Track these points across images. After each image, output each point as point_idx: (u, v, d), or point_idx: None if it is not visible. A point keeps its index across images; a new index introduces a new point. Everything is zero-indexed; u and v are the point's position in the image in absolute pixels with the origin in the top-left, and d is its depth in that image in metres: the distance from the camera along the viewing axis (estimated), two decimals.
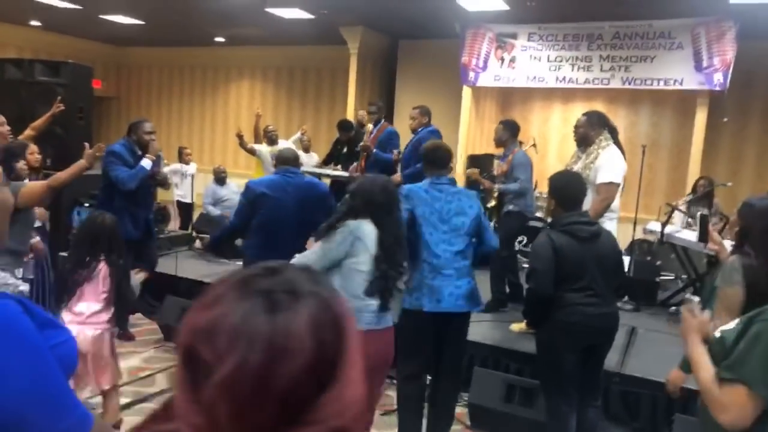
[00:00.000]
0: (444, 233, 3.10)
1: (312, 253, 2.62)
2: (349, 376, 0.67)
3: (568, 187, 3.02)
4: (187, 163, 8.04)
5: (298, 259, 2.60)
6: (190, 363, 0.65)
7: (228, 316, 0.64)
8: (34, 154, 4.11)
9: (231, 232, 4.29)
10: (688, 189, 6.93)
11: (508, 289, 5.07)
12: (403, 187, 3.22)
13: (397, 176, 5.25)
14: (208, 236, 6.39)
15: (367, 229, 2.59)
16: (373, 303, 2.57)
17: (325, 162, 7.50)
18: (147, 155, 4.52)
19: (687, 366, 2.41)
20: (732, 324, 1.72)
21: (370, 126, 6.10)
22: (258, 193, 3.78)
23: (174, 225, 7.64)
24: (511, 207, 4.87)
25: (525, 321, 4.36)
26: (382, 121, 6.01)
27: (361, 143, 5.88)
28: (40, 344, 1.10)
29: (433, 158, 3.29)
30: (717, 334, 1.73)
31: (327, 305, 0.68)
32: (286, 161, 3.95)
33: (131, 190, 4.40)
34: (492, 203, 5.30)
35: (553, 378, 3.00)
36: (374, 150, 5.65)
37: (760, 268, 2.25)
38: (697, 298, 1.84)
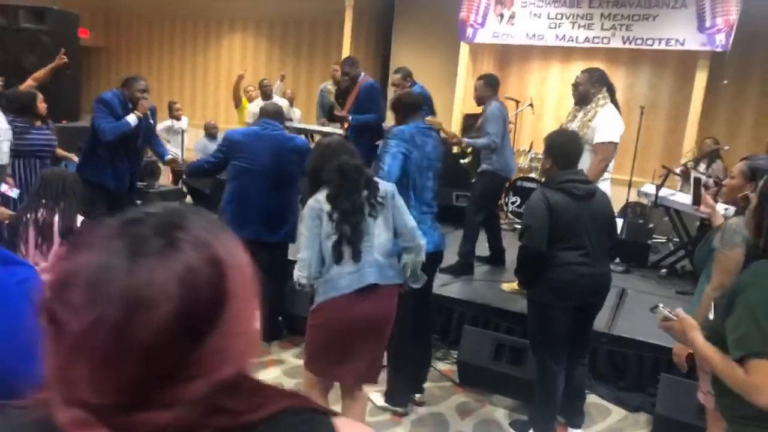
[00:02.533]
0: (428, 179, 3.18)
1: (299, 250, 2.51)
2: (231, 324, 0.60)
3: (564, 146, 2.98)
4: (178, 118, 7.88)
5: (299, 257, 2.49)
6: (49, 323, 0.58)
7: (86, 266, 0.57)
8: (42, 102, 4.42)
9: (203, 169, 4.28)
10: (685, 152, 6.89)
11: (489, 253, 5.02)
12: (394, 128, 3.20)
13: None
14: (197, 189, 6.33)
15: (323, 198, 2.49)
16: (348, 266, 2.44)
17: (329, 118, 7.35)
18: (135, 111, 4.43)
19: None
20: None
21: (330, 88, 5.91)
22: (234, 141, 3.84)
23: (167, 181, 7.53)
24: (484, 166, 4.69)
25: (517, 280, 4.38)
26: (361, 75, 5.79)
27: (336, 112, 5.71)
28: (8, 285, 1.06)
29: (406, 104, 3.28)
30: (710, 316, 1.71)
31: (207, 250, 0.61)
32: (266, 114, 3.99)
33: (110, 141, 4.32)
34: (467, 159, 5.17)
35: (543, 337, 3.01)
36: (350, 117, 5.50)
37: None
38: (660, 306, 1.84)
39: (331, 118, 7.17)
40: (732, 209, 2.56)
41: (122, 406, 0.56)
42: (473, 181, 5.00)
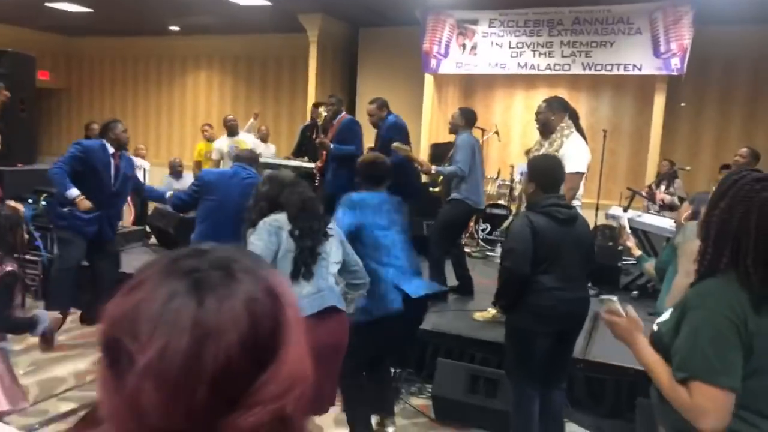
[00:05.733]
0: (397, 233, 3.15)
1: (256, 249, 2.52)
2: (290, 355, 0.63)
3: (548, 170, 2.99)
4: (142, 156, 7.76)
5: None
6: (112, 356, 0.61)
7: (150, 300, 0.61)
8: None
9: (176, 205, 4.42)
10: (648, 173, 7.00)
11: (457, 282, 4.95)
12: (351, 197, 3.12)
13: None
14: (162, 229, 6.17)
15: (283, 218, 2.62)
16: (307, 287, 2.52)
17: (295, 153, 7.30)
18: (78, 200, 4.30)
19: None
20: (666, 315, 1.65)
21: (322, 111, 5.94)
22: (207, 181, 4.04)
23: (128, 220, 7.34)
24: (454, 194, 4.67)
25: (490, 308, 4.31)
26: (342, 112, 5.86)
27: (318, 140, 5.72)
28: None
29: (369, 175, 3.22)
30: (654, 327, 1.66)
31: (263, 282, 0.64)
32: (242, 159, 4.24)
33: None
34: (437, 188, 5.16)
35: (521, 363, 2.96)
36: (332, 145, 5.49)
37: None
38: (615, 297, 1.74)
39: (299, 153, 7.13)
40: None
41: None
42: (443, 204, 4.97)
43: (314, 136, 6.52)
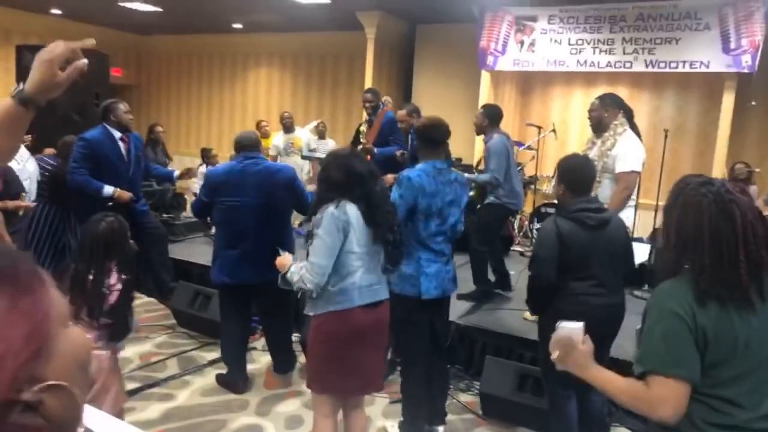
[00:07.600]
0: (439, 225, 3.13)
1: (316, 255, 2.48)
2: None
3: (576, 171, 2.88)
4: (213, 164, 8.02)
5: (307, 263, 2.50)
6: None
7: None
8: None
9: (195, 210, 3.94)
10: (714, 175, 6.73)
11: (494, 278, 4.93)
12: (404, 175, 3.09)
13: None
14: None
15: (351, 209, 2.53)
16: (363, 279, 2.55)
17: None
18: (116, 194, 4.22)
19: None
20: None
21: (363, 128, 5.93)
22: (213, 183, 3.64)
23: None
24: (491, 198, 4.63)
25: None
26: (381, 106, 5.83)
27: (361, 146, 5.75)
28: None
29: (429, 137, 3.16)
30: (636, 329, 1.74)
31: None
32: (243, 146, 3.66)
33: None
34: (473, 192, 5.11)
35: (552, 366, 2.94)
36: (375, 150, 5.51)
37: None
38: (580, 324, 1.77)
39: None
40: None
41: None
42: (478, 207, 4.92)
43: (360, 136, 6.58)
